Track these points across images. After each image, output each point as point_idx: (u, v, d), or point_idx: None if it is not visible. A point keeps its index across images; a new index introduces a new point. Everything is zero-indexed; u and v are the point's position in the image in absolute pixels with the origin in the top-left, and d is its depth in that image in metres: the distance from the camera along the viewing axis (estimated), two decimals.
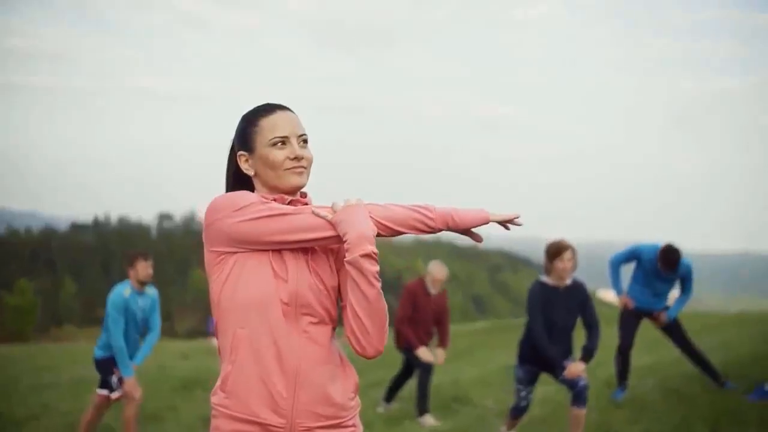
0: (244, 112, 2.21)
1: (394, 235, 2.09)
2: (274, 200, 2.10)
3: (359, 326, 2.03)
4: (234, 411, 2.04)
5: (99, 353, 6.10)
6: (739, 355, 8.27)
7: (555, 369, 5.28)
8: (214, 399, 2.09)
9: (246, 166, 2.16)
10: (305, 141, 2.14)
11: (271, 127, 2.11)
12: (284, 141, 2.10)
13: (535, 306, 5.29)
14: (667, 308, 6.87)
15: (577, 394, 5.23)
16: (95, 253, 73.50)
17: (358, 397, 2.17)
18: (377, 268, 2.00)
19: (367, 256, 1.98)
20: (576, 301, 5.36)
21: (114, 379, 6.00)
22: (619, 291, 6.95)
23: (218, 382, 2.10)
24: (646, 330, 7.58)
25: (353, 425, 2.13)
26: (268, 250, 2.04)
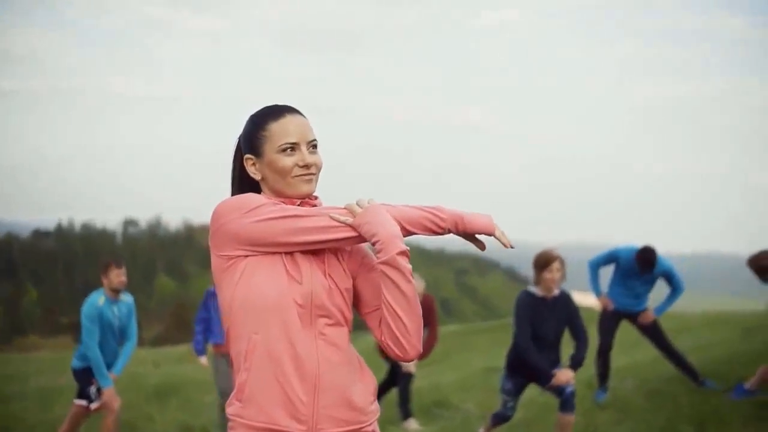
0: (252, 113, 2.14)
1: (406, 236, 2.04)
2: (284, 203, 2.04)
3: (400, 327, 1.97)
4: (252, 420, 1.97)
5: (77, 363, 5.97)
6: (714, 355, 8.34)
7: (542, 379, 5.23)
8: (230, 410, 2.01)
9: (253, 170, 2.10)
10: (315, 146, 2.08)
11: (280, 132, 2.05)
12: (294, 147, 2.04)
13: (522, 317, 5.23)
14: (646, 310, 6.90)
15: (565, 400, 5.19)
16: (58, 260, 72.30)
17: (377, 402, 2.10)
18: (410, 266, 1.97)
19: (403, 253, 1.95)
20: (564, 311, 5.32)
21: (93, 389, 5.86)
22: (598, 293, 7.00)
23: (233, 392, 2.02)
24: (623, 331, 7.59)
25: (373, 431, 2.07)
26: (280, 253, 1.98)
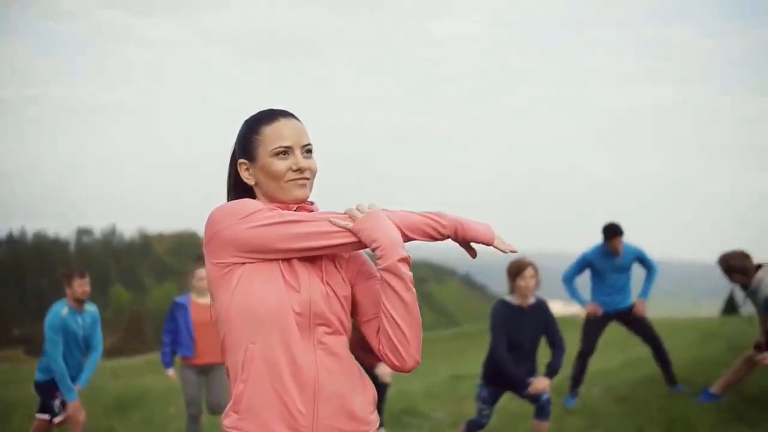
0: (246, 117, 2.09)
1: (405, 242, 2.00)
2: (279, 209, 1.99)
3: (398, 336, 1.93)
4: None
5: (40, 376, 5.80)
6: (675, 360, 8.45)
7: (518, 387, 5.23)
8: (226, 422, 1.95)
9: (246, 175, 2.05)
10: (309, 151, 2.04)
11: (274, 135, 2.01)
12: (287, 151, 2.00)
13: (498, 327, 5.22)
14: (632, 305, 6.95)
15: (541, 407, 5.20)
16: (9, 271, 70.71)
17: (376, 411, 2.06)
18: (411, 273, 1.92)
19: (404, 260, 1.91)
20: (540, 319, 5.32)
21: (56, 402, 5.71)
22: (582, 302, 7.03)
23: (230, 403, 1.95)
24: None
25: None
26: (277, 260, 1.93)
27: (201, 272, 6.52)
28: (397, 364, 1.96)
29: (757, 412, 5.98)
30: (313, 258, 1.98)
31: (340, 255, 2.04)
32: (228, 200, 2.10)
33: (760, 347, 6.01)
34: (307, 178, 2.02)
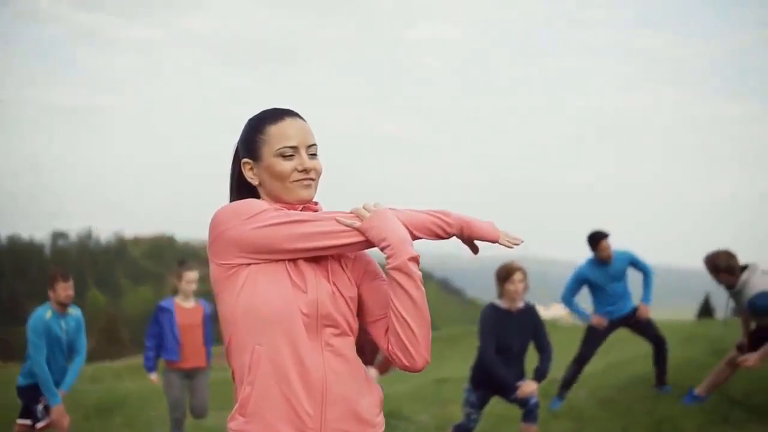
0: (250, 116, 2.06)
1: (413, 240, 1.98)
2: (284, 209, 1.97)
3: (408, 335, 1.91)
4: None
5: (22, 381, 5.73)
6: None
7: (507, 391, 5.23)
8: (232, 425, 1.92)
9: (250, 175, 2.03)
10: (315, 152, 2.01)
11: (279, 135, 1.98)
12: (293, 151, 1.97)
13: (487, 330, 5.21)
14: (636, 309, 6.97)
15: (529, 411, 5.20)
16: None
17: (382, 414, 2.04)
18: (420, 272, 1.91)
19: (414, 259, 1.89)
20: (529, 324, 5.32)
21: (39, 407, 5.63)
22: (586, 317, 7.04)
23: (236, 406, 1.92)
24: (569, 344, 7.67)
25: None
26: (284, 260, 1.90)
27: (189, 275, 6.46)
28: (407, 364, 1.94)
29: (743, 413, 6.03)
30: (318, 258, 1.95)
31: (346, 255, 2.02)
32: (231, 200, 2.07)
33: (742, 348, 6.06)
34: (312, 179, 1.99)
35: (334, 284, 1.96)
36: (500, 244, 2.07)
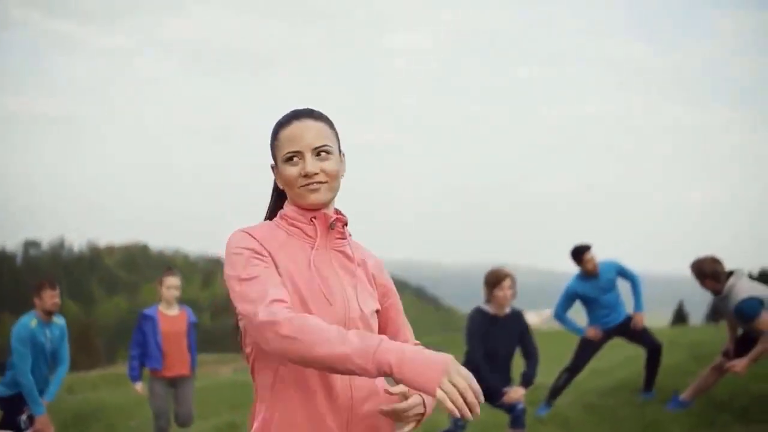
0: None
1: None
2: (313, 219, 1.92)
3: None
4: None
5: (4, 391, 5.63)
6: (640, 370, 8.55)
7: (493, 397, 5.22)
8: None
9: (278, 180, 2.00)
10: (326, 152, 1.90)
11: (285, 140, 1.91)
12: (297, 156, 1.90)
13: (475, 334, 5.22)
14: (629, 317, 6.98)
15: (516, 417, 5.20)
16: None
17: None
18: None
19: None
20: (516, 329, 5.34)
21: (23, 417, 5.53)
22: (580, 331, 7.05)
23: (256, 425, 1.86)
24: (554, 350, 7.69)
25: None
26: (312, 274, 1.86)
27: (169, 280, 6.38)
28: None
29: (728, 417, 6.07)
30: (346, 273, 1.93)
31: (370, 269, 2.01)
32: (270, 203, 2.07)
33: (728, 354, 6.10)
34: (320, 182, 1.89)
35: (361, 299, 1.92)
36: (439, 400, 1.61)
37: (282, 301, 1.75)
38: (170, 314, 6.39)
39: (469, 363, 5.23)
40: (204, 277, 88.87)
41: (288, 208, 1.96)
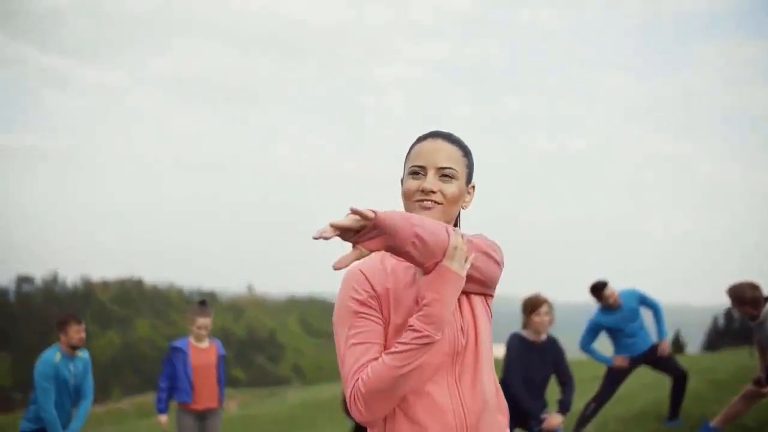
0: None
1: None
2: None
3: None
4: None
5: (27, 426, 5.63)
6: (659, 396, 8.52)
7: (533, 424, 5.21)
8: None
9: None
10: (450, 176, 1.90)
11: (415, 155, 1.94)
12: (420, 171, 1.90)
13: (514, 360, 5.24)
14: (655, 346, 7.00)
15: None
16: None
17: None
18: None
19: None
20: (551, 355, 5.38)
21: None
22: (608, 360, 7.09)
23: None
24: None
25: None
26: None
27: (200, 321, 6.32)
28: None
29: None
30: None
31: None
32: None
33: (760, 382, 6.08)
34: (436, 201, 1.88)
35: (469, 317, 1.89)
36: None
37: (366, 364, 1.75)
38: (201, 347, 6.35)
39: (509, 389, 5.23)
40: None
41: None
